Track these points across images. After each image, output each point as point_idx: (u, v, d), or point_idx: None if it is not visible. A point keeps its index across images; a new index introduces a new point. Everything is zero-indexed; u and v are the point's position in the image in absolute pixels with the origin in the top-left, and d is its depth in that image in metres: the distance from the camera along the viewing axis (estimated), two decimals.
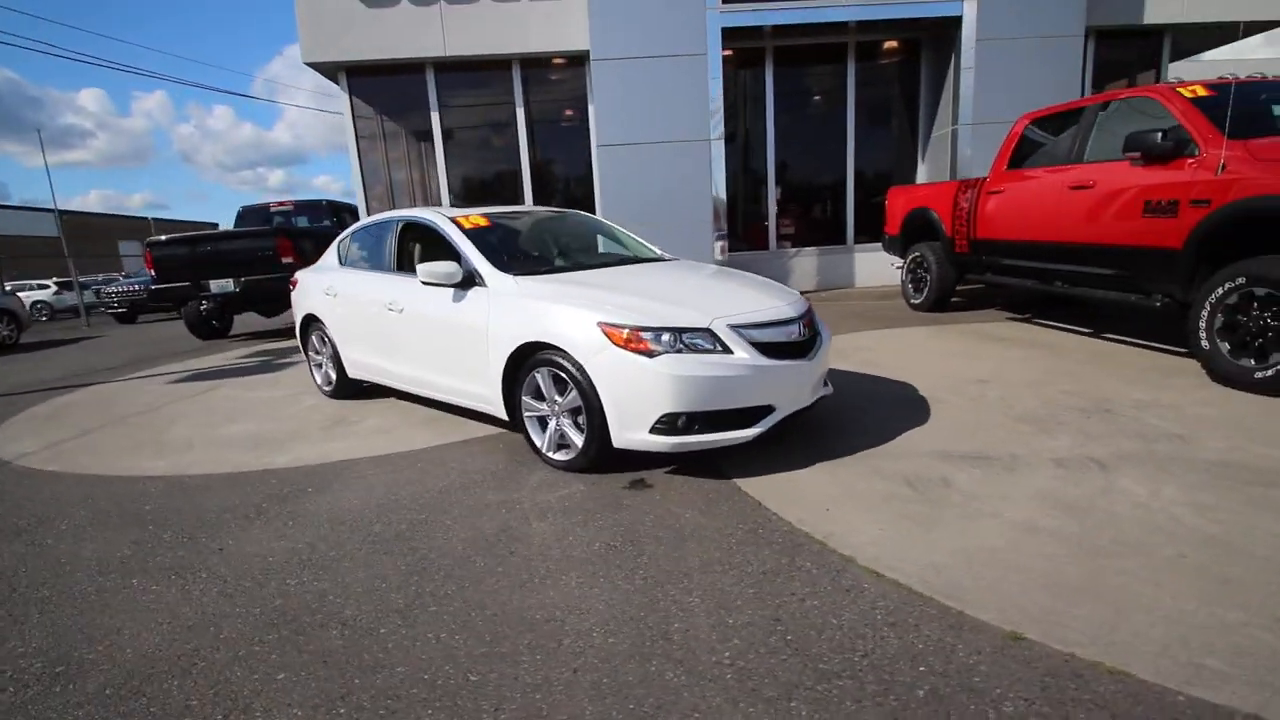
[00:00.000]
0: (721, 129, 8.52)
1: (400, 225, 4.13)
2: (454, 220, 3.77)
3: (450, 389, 3.66)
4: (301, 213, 9.73)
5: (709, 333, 2.78)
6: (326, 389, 4.85)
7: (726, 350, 2.78)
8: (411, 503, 2.83)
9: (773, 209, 9.62)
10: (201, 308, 8.32)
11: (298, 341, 5.17)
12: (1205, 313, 3.86)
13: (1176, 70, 9.71)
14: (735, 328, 2.83)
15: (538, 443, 3.19)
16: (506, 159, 9.51)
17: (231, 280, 7.79)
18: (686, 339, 2.75)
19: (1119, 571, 1.96)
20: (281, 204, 9.70)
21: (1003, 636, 1.70)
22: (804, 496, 2.64)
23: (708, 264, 4.73)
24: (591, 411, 2.86)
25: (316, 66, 8.73)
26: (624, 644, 1.75)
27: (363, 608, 2.01)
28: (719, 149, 8.57)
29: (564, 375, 2.94)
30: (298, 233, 8.27)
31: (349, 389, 4.70)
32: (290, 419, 4.37)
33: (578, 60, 9.09)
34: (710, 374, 2.70)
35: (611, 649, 1.73)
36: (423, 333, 3.71)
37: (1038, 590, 1.89)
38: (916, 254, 7.16)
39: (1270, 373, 3.52)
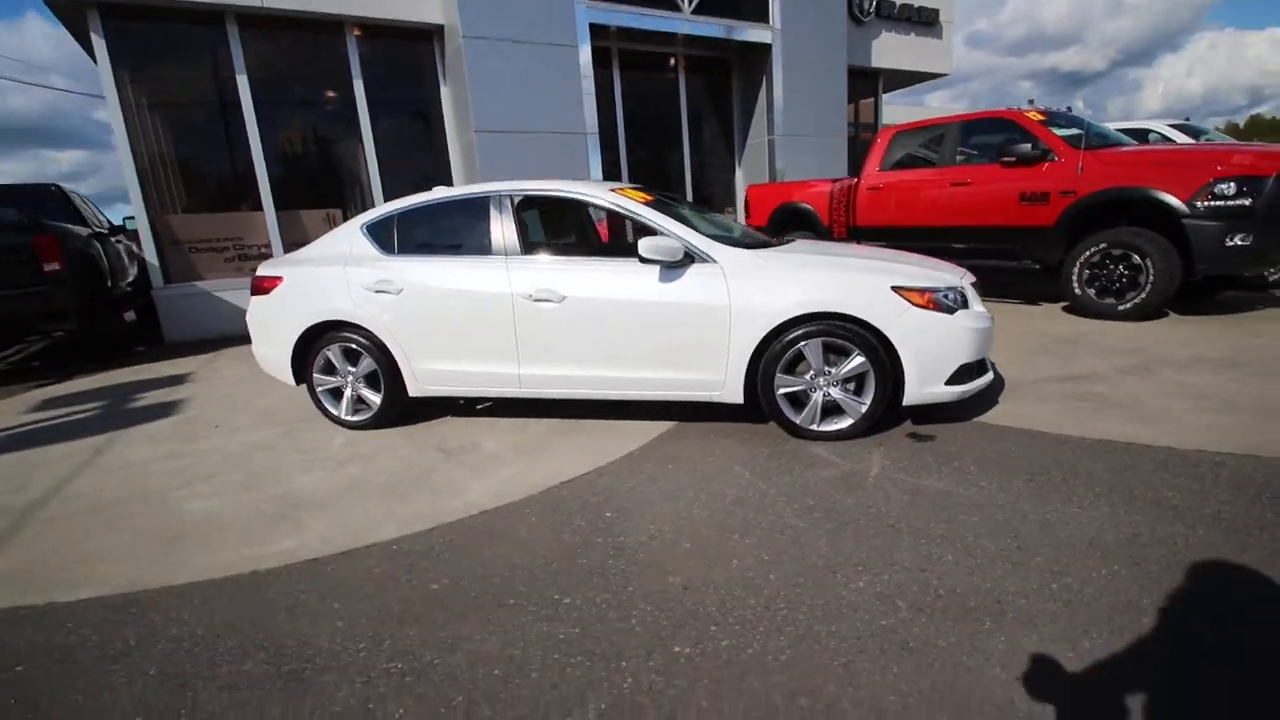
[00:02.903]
0: (595, 123, 8.54)
1: (519, 200, 3.40)
2: (620, 193, 3.32)
3: (647, 381, 3.24)
4: (9, 201, 6.60)
5: (962, 292, 3.13)
6: (355, 418, 3.68)
7: (967, 305, 3.16)
8: (779, 517, 2.41)
9: None
10: None
11: (276, 362, 3.78)
12: (1076, 270, 5.57)
13: (889, 100, 13.02)
14: (972, 285, 3.24)
15: (795, 419, 3.11)
16: (343, 138, 7.94)
17: None
18: (953, 297, 3.06)
19: None
20: None
21: None
22: (1058, 421, 3.14)
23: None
24: (882, 373, 2.96)
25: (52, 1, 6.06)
26: None
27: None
28: (594, 142, 8.58)
29: (848, 342, 2.96)
30: (63, 232, 5.67)
31: (397, 412, 3.67)
32: (359, 461, 3.24)
33: (425, 34, 8.08)
34: (984, 326, 3.07)
35: None
36: (604, 321, 3.20)
37: None
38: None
39: (1129, 305, 5.30)
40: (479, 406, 4.03)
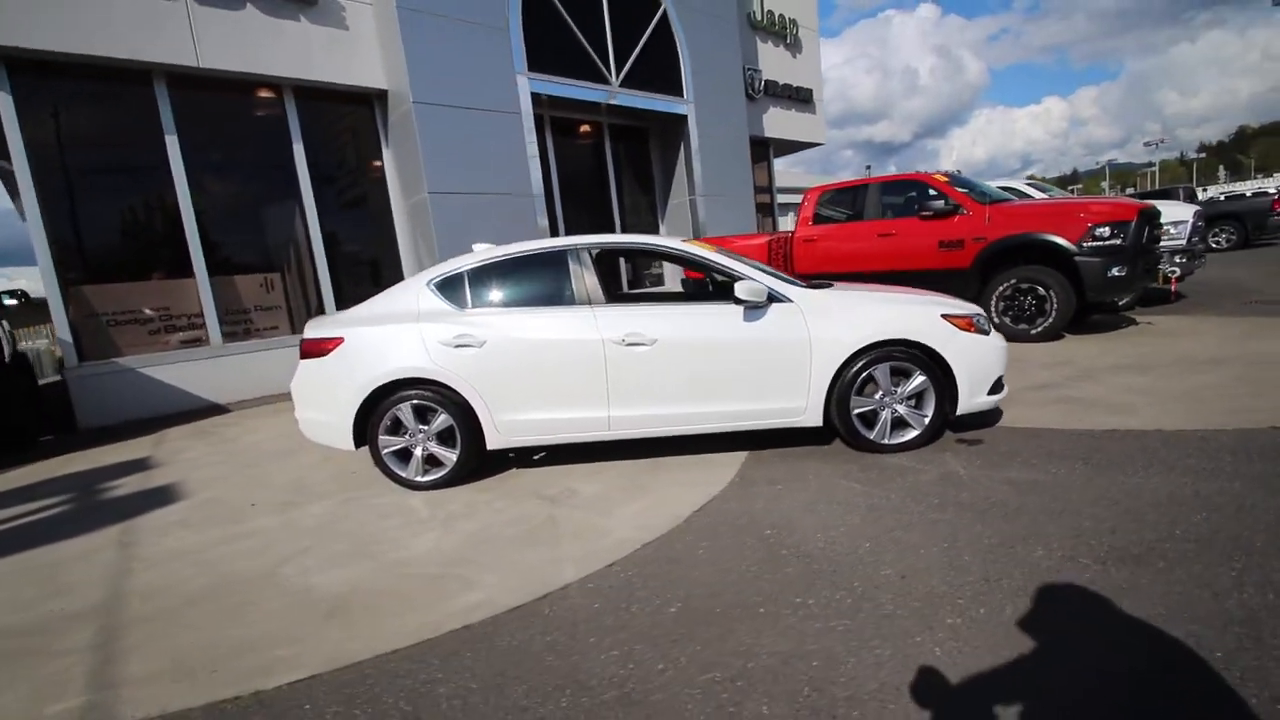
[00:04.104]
0: (541, 184, 8.83)
1: (596, 252, 3.59)
2: (690, 243, 3.63)
3: (736, 413, 3.50)
4: None
5: (985, 317, 3.76)
6: (426, 478, 3.56)
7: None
8: (922, 514, 2.83)
9: None
10: None
11: (332, 425, 3.57)
12: (993, 302, 6.65)
13: (779, 164, 14.56)
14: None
15: (869, 435, 3.51)
16: (281, 200, 7.53)
17: None
18: (983, 322, 3.67)
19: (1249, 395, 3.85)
20: None
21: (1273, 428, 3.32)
22: (1062, 420, 3.81)
23: None
24: (939, 389, 3.47)
25: None
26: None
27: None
28: (540, 204, 8.84)
29: (912, 365, 3.44)
30: None
31: (472, 468, 3.61)
32: (462, 519, 3.16)
33: (365, 99, 8.00)
34: (1005, 344, 3.69)
35: None
36: (696, 360, 3.43)
37: (1256, 411, 3.59)
38: None
39: (1038, 329, 6.41)
40: (535, 456, 4.04)
